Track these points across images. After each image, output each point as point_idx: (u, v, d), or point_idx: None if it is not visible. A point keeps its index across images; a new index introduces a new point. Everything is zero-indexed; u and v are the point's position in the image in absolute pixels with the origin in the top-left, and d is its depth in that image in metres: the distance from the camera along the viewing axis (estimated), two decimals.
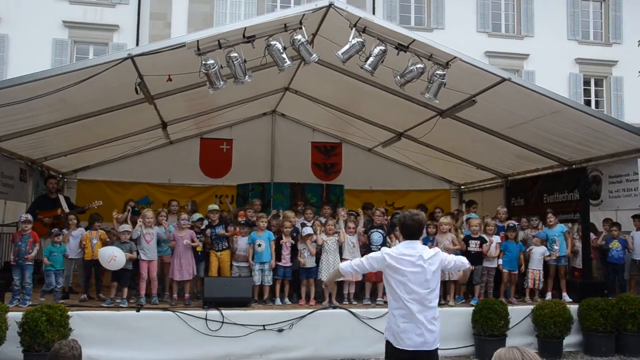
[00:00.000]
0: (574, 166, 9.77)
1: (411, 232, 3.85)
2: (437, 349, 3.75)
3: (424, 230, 4.12)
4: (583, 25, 20.07)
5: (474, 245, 8.21)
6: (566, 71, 19.57)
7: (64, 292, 7.89)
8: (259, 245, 7.78)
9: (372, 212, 8.79)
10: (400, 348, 3.68)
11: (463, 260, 4.04)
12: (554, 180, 10.23)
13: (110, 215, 8.63)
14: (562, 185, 9.92)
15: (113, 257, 7.21)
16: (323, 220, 8.56)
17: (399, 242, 4.17)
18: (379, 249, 7.95)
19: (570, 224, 9.41)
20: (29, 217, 7.68)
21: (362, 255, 8.02)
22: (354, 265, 3.97)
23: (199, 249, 8.04)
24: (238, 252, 8.09)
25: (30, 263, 7.38)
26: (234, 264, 8.12)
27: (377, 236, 8.10)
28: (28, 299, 7.24)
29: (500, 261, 8.26)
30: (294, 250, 8.03)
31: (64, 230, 8.05)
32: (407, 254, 3.75)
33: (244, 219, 8.50)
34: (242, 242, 8.06)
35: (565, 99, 8.06)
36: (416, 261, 3.72)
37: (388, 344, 3.80)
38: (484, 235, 8.32)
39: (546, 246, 8.54)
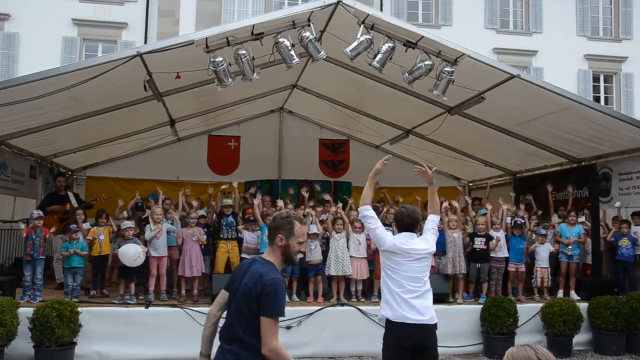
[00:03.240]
0: (583, 163, 9.70)
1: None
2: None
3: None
4: (592, 21, 19.84)
5: (479, 243, 8.18)
6: (575, 67, 19.37)
7: None
8: None
9: (387, 210, 8.76)
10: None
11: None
12: (563, 177, 10.16)
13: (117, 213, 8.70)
14: (571, 182, 9.84)
15: (138, 255, 7.35)
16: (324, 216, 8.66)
17: None
18: None
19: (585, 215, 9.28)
20: (40, 212, 7.75)
21: (367, 254, 8.11)
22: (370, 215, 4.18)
23: (202, 242, 8.07)
24: (246, 244, 8.11)
25: (42, 257, 7.45)
26: (243, 256, 8.13)
27: None
28: (39, 295, 7.31)
29: (506, 252, 8.23)
30: None
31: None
32: None
33: (251, 216, 8.51)
34: (250, 234, 8.09)
35: (575, 96, 8.01)
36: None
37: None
38: (491, 232, 8.28)
39: (559, 243, 8.53)
